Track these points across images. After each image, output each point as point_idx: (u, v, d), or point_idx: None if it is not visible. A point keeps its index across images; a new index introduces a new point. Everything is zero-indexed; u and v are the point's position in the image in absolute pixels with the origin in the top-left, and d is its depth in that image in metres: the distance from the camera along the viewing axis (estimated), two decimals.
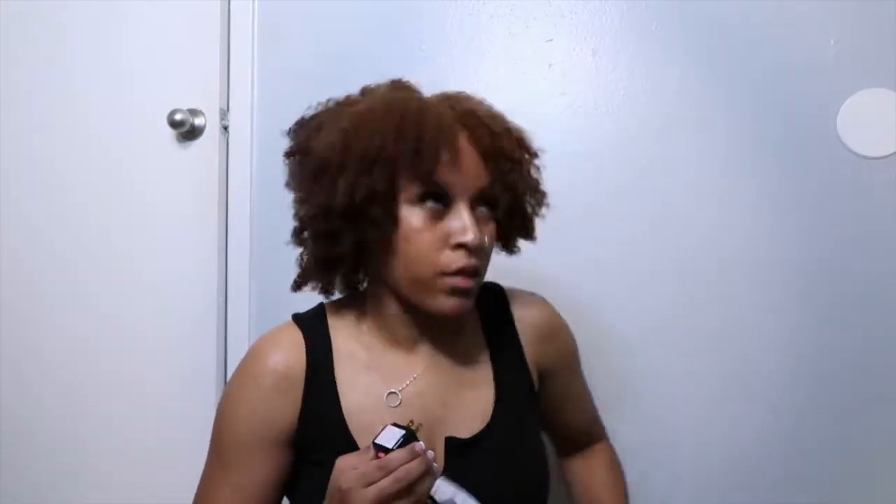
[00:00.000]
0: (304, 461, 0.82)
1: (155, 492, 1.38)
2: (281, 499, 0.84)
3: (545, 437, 0.97)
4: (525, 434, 0.87)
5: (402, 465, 0.68)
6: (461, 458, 0.81)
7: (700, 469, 1.19)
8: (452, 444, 0.82)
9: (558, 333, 0.95)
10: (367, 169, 0.75)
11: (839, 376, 1.14)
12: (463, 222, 0.76)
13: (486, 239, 0.80)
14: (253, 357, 0.83)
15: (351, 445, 0.78)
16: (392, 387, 0.82)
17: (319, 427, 0.80)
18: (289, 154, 0.85)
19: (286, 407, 0.80)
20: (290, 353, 0.82)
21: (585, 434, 1.04)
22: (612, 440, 1.09)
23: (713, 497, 1.18)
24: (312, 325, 0.85)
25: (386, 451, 0.70)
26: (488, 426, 0.84)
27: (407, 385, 0.83)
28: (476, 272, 0.78)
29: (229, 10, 1.36)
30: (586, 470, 1.04)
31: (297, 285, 0.85)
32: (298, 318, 0.87)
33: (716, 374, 1.18)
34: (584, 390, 1.02)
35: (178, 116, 1.34)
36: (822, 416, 1.14)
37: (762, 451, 1.17)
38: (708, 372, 1.18)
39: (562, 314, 0.97)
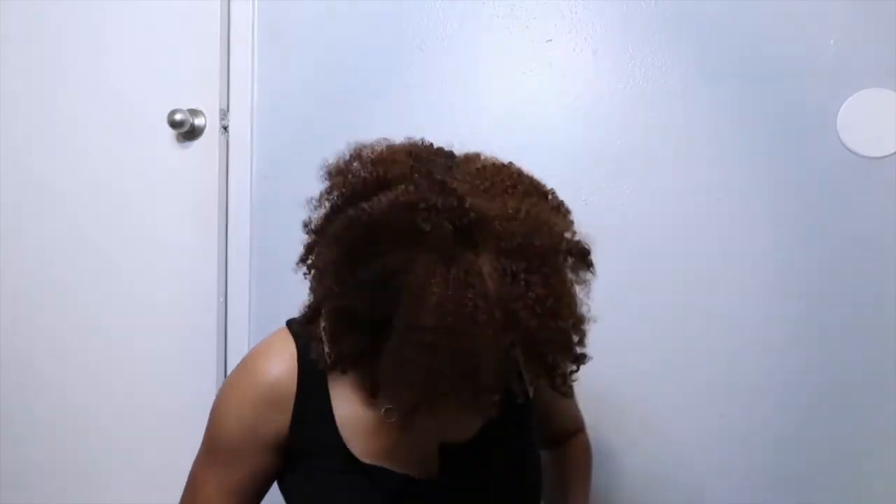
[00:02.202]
0: (294, 468, 0.82)
1: (155, 494, 1.38)
2: (264, 494, 0.85)
3: None
4: (519, 440, 0.87)
5: None
6: (455, 462, 0.81)
7: (699, 471, 1.19)
8: (446, 448, 0.81)
9: None
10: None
11: (839, 377, 1.14)
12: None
13: None
14: (245, 369, 0.83)
15: (344, 453, 0.78)
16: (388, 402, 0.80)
17: (311, 435, 0.80)
18: (309, 232, 0.76)
19: (276, 418, 0.80)
20: (283, 364, 0.81)
21: (566, 431, 1.05)
22: (608, 442, 1.09)
23: (709, 499, 1.18)
24: (306, 333, 0.83)
25: None
26: (482, 431, 0.83)
27: None
28: None
29: (229, 10, 1.36)
30: (558, 456, 1.05)
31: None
32: (292, 326, 0.85)
33: (714, 374, 1.18)
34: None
35: (178, 116, 1.34)
36: (821, 416, 1.14)
37: (761, 452, 1.17)
38: (707, 373, 1.18)
39: None
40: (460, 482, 0.81)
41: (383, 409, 0.80)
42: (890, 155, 1.11)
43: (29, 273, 1.49)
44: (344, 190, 0.69)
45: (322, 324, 0.75)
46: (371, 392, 0.77)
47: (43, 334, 1.48)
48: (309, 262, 0.75)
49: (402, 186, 0.64)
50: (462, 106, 1.26)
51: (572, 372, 0.70)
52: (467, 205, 0.63)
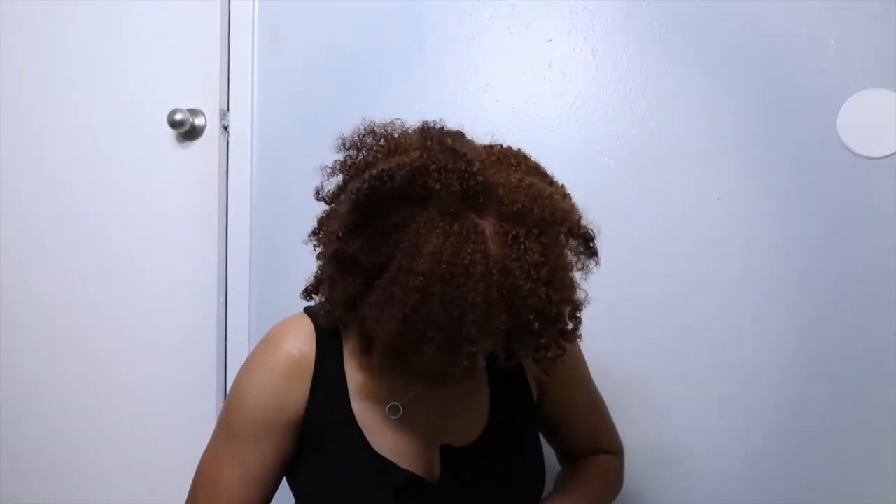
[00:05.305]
0: (308, 448, 0.82)
1: (154, 494, 1.38)
2: (280, 481, 0.84)
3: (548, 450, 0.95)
4: (520, 444, 0.87)
5: None
6: (456, 466, 0.81)
7: (703, 471, 1.19)
8: (448, 451, 0.82)
9: None
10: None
11: (840, 377, 1.14)
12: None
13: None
14: (267, 343, 0.84)
15: (359, 438, 0.79)
16: (394, 398, 0.82)
17: (327, 415, 0.80)
18: (324, 199, 0.78)
19: (296, 393, 0.80)
20: (303, 341, 0.82)
21: (590, 446, 1.00)
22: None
23: (718, 499, 1.18)
24: (323, 318, 0.84)
25: None
26: (483, 435, 0.84)
27: (408, 398, 0.82)
28: None
29: (229, 10, 1.36)
30: (573, 466, 0.99)
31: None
32: (309, 311, 0.86)
33: (718, 376, 1.18)
34: (588, 401, 0.99)
35: (178, 116, 1.34)
36: (824, 417, 1.14)
37: (766, 453, 1.17)
38: (711, 374, 1.18)
39: None
40: (460, 485, 0.81)
41: (388, 406, 0.81)
42: (890, 155, 1.11)
43: (28, 272, 1.49)
44: (358, 160, 0.72)
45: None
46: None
47: (42, 335, 1.48)
48: (320, 234, 0.77)
49: (416, 152, 0.68)
50: (462, 106, 1.26)
51: (558, 355, 0.71)
52: (475, 168, 0.66)
